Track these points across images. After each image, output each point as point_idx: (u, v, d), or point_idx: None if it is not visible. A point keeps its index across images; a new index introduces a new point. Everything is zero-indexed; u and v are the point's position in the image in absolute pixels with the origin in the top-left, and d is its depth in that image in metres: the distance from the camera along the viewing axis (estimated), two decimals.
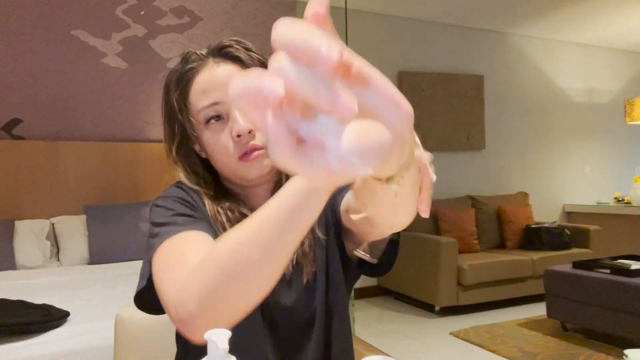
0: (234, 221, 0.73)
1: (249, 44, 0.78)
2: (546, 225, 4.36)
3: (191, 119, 0.75)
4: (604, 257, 3.32)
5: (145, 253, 0.69)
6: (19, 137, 3.21)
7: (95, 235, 3.01)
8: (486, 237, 4.48)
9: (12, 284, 2.35)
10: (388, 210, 0.46)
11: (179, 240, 0.63)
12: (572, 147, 5.60)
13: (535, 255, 4.06)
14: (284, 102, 0.25)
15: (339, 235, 0.78)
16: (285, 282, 0.75)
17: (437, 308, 3.83)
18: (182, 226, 0.65)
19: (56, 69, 3.32)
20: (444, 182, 4.76)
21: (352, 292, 1.64)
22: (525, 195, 4.96)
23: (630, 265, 2.92)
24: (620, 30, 5.21)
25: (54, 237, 3.04)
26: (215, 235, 0.68)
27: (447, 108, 4.75)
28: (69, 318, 1.79)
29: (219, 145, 0.73)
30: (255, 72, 0.25)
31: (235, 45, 0.75)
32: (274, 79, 0.24)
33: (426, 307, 3.95)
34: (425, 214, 0.48)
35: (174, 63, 3.99)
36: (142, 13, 3.43)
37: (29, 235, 2.91)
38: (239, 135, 0.71)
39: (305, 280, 0.75)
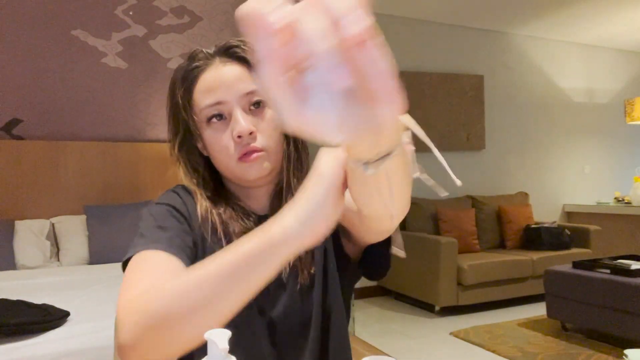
0: (224, 223, 0.74)
1: None
2: (546, 225, 4.36)
3: (194, 116, 0.75)
4: (604, 257, 3.32)
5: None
6: (19, 137, 3.21)
7: (95, 235, 3.01)
8: (486, 237, 4.48)
9: (12, 284, 2.34)
10: (377, 200, 0.47)
11: (145, 258, 0.65)
12: (572, 147, 5.60)
13: (535, 255, 4.06)
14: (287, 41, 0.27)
15: (337, 236, 0.78)
16: (281, 284, 0.75)
17: (437, 308, 3.83)
18: (155, 243, 0.66)
19: (56, 69, 3.32)
20: (444, 182, 4.75)
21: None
22: (525, 195, 4.96)
23: (630, 265, 2.92)
24: (620, 30, 5.21)
25: (54, 237, 3.04)
26: (190, 254, 0.70)
27: (447, 108, 4.76)
28: (69, 318, 1.78)
29: (220, 145, 0.73)
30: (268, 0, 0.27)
31: (242, 46, 0.75)
32: (276, 14, 0.26)
33: (426, 307, 3.95)
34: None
35: (174, 63, 3.98)
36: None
37: (29, 235, 2.91)
38: (239, 136, 0.71)
39: (302, 283, 0.75)
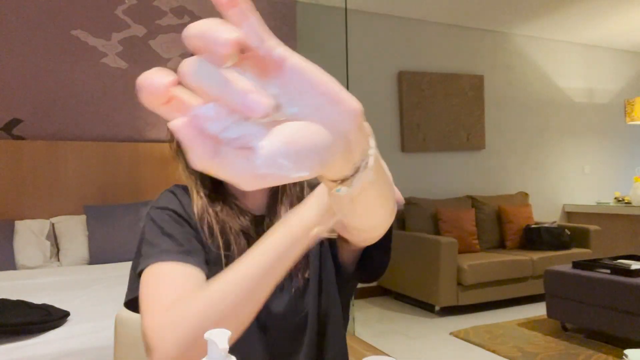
0: (221, 222, 0.74)
1: None
2: (546, 225, 4.36)
3: None
4: (604, 257, 3.32)
5: (133, 265, 0.72)
6: (19, 137, 3.21)
7: (95, 235, 3.01)
8: (486, 237, 4.48)
9: (12, 284, 2.35)
10: (354, 213, 0.42)
11: (162, 271, 0.65)
12: (572, 147, 5.60)
13: (535, 255, 4.06)
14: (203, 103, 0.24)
15: (332, 241, 0.78)
16: (277, 287, 0.75)
17: (437, 308, 3.83)
18: (168, 254, 0.67)
19: (56, 69, 3.32)
20: (444, 182, 4.77)
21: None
22: (525, 195, 4.96)
23: (630, 265, 2.92)
24: (620, 30, 5.21)
25: (54, 237, 3.04)
26: (202, 256, 0.71)
27: (447, 108, 4.76)
28: (69, 318, 1.79)
29: None
30: (155, 69, 0.24)
31: None
32: (160, 74, 0.23)
33: (426, 307, 3.95)
34: None
35: (174, 63, 3.98)
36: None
37: (29, 235, 2.91)
38: None
39: (297, 286, 0.75)
